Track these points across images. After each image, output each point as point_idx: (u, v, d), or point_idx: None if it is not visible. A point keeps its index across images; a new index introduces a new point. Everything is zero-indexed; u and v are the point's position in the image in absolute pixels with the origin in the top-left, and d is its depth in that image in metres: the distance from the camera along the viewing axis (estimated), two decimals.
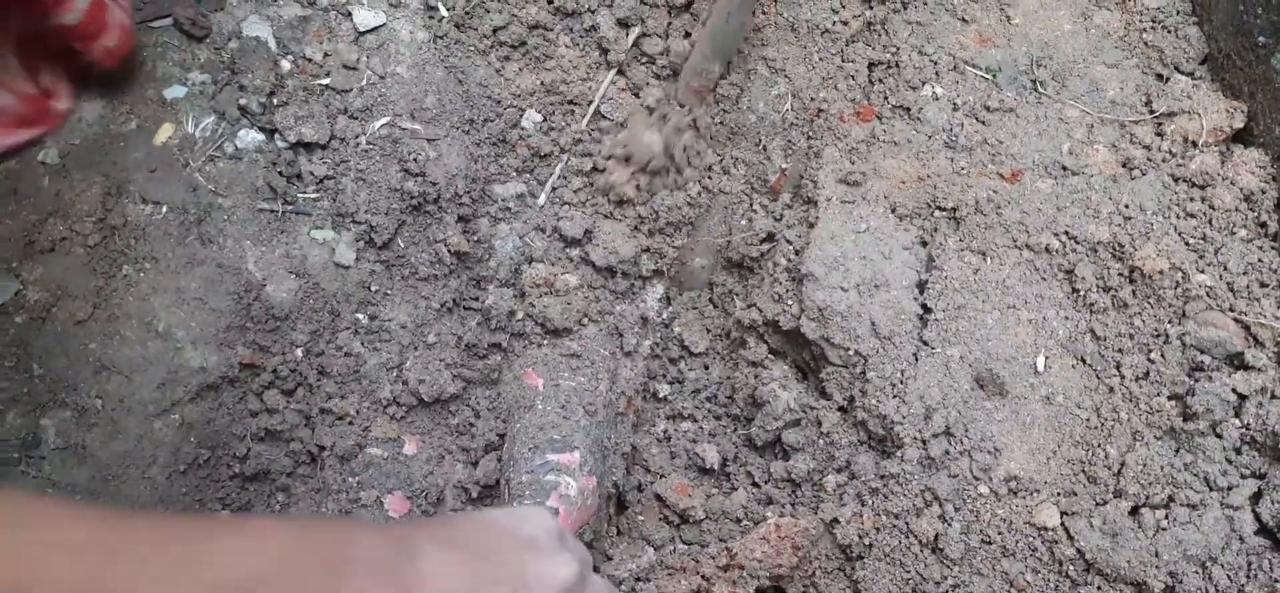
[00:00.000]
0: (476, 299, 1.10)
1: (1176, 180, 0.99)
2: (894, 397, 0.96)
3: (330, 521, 0.76)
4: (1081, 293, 0.96)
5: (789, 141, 1.11)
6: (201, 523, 0.67)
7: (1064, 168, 1.02)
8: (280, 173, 1.04)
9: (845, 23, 1.12)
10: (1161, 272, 0.93)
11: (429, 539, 0.67)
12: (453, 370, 1.05)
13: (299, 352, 1.03)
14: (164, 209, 1.01)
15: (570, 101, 1.14)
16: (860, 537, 0.94)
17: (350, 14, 1.11)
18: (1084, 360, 0.95)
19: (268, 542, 0.61)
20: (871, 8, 1.12)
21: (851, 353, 0.98)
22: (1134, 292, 0.95)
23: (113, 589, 0.54)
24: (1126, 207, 0.98)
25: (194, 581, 0.57)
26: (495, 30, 1.15)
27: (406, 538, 0.67)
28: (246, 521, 0.76)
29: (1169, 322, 0.93)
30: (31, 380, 0.94)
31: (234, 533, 0.62)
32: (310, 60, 1.08)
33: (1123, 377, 0.93)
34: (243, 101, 1.05)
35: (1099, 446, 0.92)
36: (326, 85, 1.07)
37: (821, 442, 1.00)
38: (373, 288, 1.06)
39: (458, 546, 0.69)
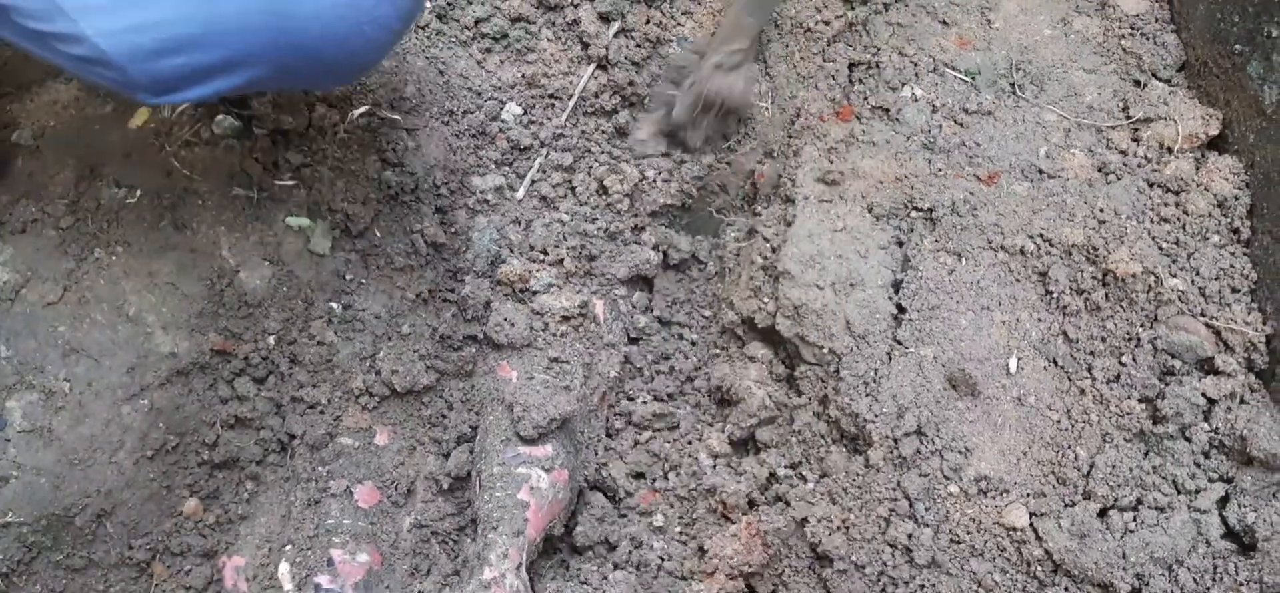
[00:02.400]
0: (452, 291, 1.09)
1: (1151, 185, 0.99)
2: (867, 395, 0.95)
3: None
4: (1055, 295, 0.97)
5: (768, 139, 1.12)
6: None
7: (1041, 171, 1.03)
8: (257, 159, 1.03)
9: (827, 22, 1.12)
10: (1134, 275, 0.94)
11: None
12: (427, 362, 1.05)
13: (271, 339, 1.02)
14: (138, 193, 1.00)
15: (551, 95, 1.14)
16: (830, 535, 0.94)
17: None
18: (1056, 362, 0.95)
19: None
20: (853, 8, 1.13)
21: (826, 351, 0.98)
22: (1107, 295, 0.95)
23: None
24: (1101, 210, 0.98)
25: None
26: (477, 22, 1.15)
27: None
28: None
29: (1141, 325, 0.94)
30: None
31: None
32: None
33: (1094, 379, 0.93)
34: None
35: (1069, 447, 0.92)
36: None
37: (794, 439, 1.00)
38: (347, 277, 1.06)
39: None
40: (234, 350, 1.00)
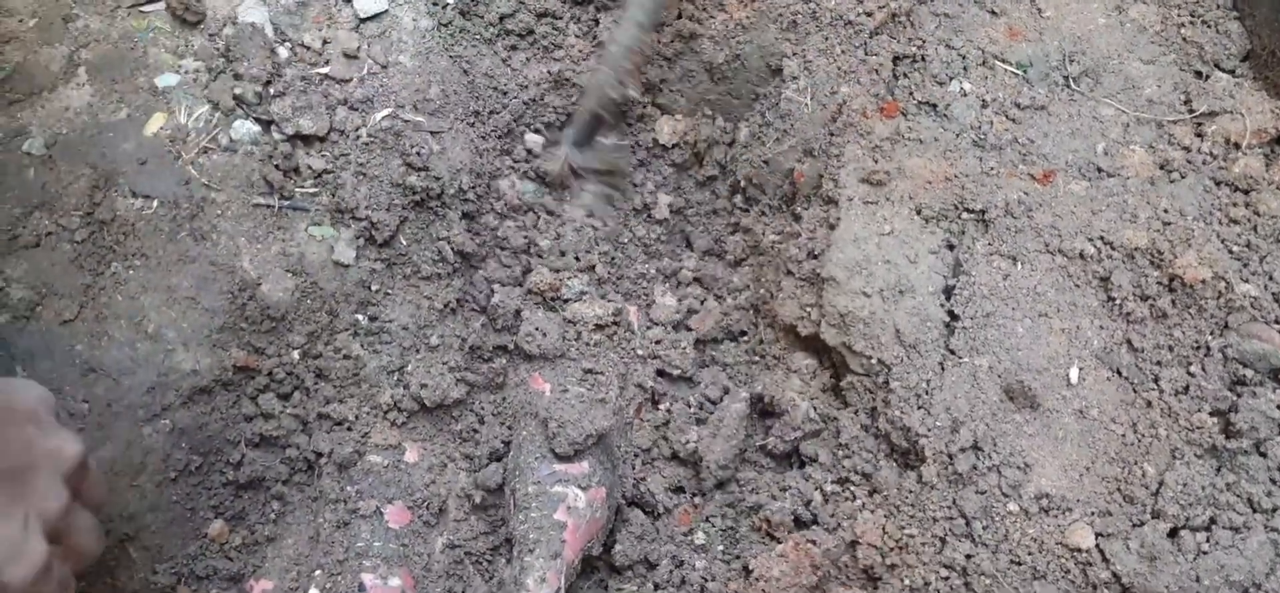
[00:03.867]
0: (481, 299, 1.05)
1: (1218, 184, 0.94)
2: (919, 408, 0.91)
3: None
4: (1117, 302, 0.92)
5: (808, 137, 1.07)
6: None
7: (1099, 169, 0.98)
8: (277, 166, 0.99)
9: (869, 14, 1.07)
10: (1203, 281, 0.89)
11: None
12: (456, 374, 1.01)
13: (295, 354, 0.98)
14: (155, 203, 0.96)
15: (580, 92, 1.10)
16: (882, 557, 0.90)
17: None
18: (1120, 373, 0.90)
19: None
20: None
21: (874, 361, 0.94)
22: (1173, 301, 0.90)
23: None
24: (1165, 211, 0.94)
25: None
26: (502, 18, 1.10)
27: None
28: None
29: (1210, 333, 0.89)
30: None
31: None
32: (309, 48, 1.03)
33: (1161, 391, 0.88)
34: (238, 91, 1.00)
35: (1136, 463, 0.87)
36: (325, 74, 1.03)
37: (841, 453, 0.96)
38: (373, 287, 1.01)
39: None
40: (257, 366, 0.96)
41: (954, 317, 0.94)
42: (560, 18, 1.12)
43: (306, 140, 1.01)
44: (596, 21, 1.14)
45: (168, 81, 1.00)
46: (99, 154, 0.97)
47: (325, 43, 1.04)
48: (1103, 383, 0.90)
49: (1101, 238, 0.94)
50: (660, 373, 1.05)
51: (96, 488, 0.73)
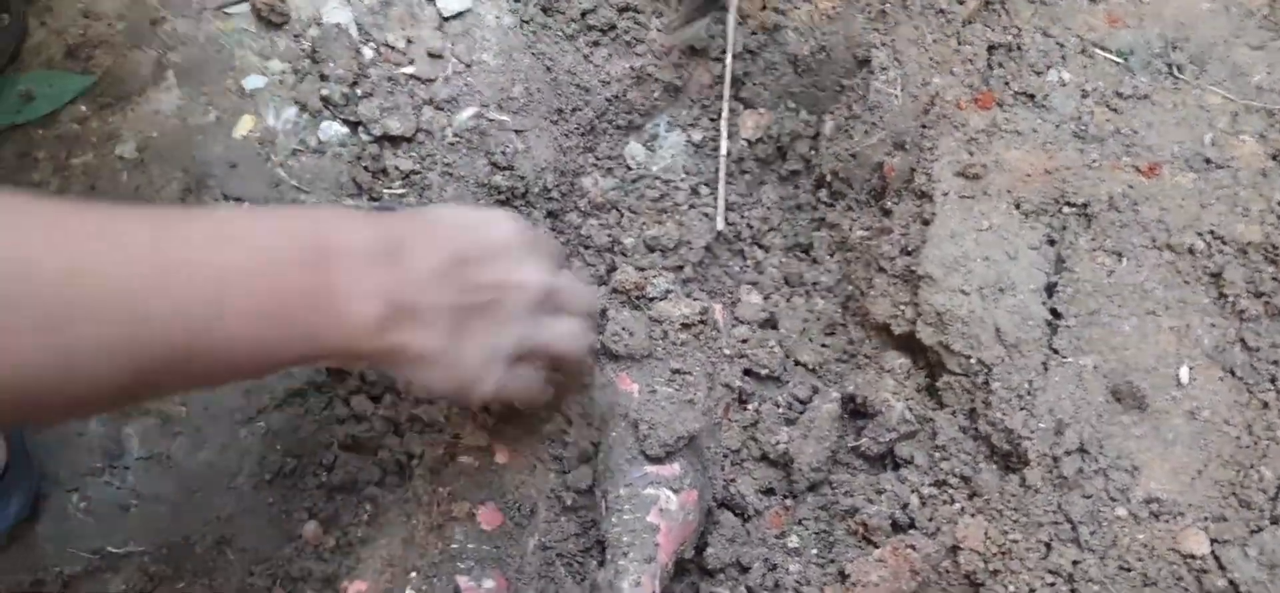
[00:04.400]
0: None
1: None
2: (1021, 409, 0.89)
3: (308, 212, 0.79)
4: (1230, 298, 0.89)
5: (898, 130, 1.04)
6: (182, 215, 0.69)
7: (1207, 160, 0.94)
8: (365, 167, 0.99)
9: (961, 2, 1.04)
10: None
11: (414, 235, 0.70)
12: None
13: None
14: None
15: (669, 88, 1.08)
16: (985, 563, 0.88)
17: None
18: (1233, 372, 0.87)
19: (245, 233, 0.61)
20: None
21: (973, 361, 0.91)
22: None
23: (80, 268, 0.52)
24: (1279, 204, 0.90)
25: (163, 263, 0.56)
26: (583, 14, 1.09)
27: (390, 233, 0.68)
28: (226, 214, 0.78)
29: None
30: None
31: (211, 222, 0.62)
32: (393, 48, 1.03)
33: (1278, 391, 0.85)
34: (325, 92, 1.00)
35: (1252, 467, 0.84)
36: (411, 74, 1.02)
37: (938, 456, 0.94)
38: None
39: (442, 245, 0.70)
40: (349, 368, 0.96)
41: (1057, 315, 0.91)
42: (641, 12, 1.11)
43: (393, 141, 1.00)
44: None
45: (255, 84, 1.00)
46: (190, 157, 0.97)
47: (409, 42, 1.03)
48: (1215, 383, 0.87)
49: (1212, 232, 0.91)
50: (747, 372, 1.04)
51: (574, 298, 0.85)
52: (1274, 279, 0.87)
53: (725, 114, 1.09)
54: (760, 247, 1.10)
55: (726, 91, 1.09)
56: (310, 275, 0.61)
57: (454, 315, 0.70)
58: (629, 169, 1.09)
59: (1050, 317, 0.92)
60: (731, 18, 1.09)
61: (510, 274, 0.75)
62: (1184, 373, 0.88)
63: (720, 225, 1.07)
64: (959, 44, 1.04)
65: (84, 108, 0.98)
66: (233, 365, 0.62)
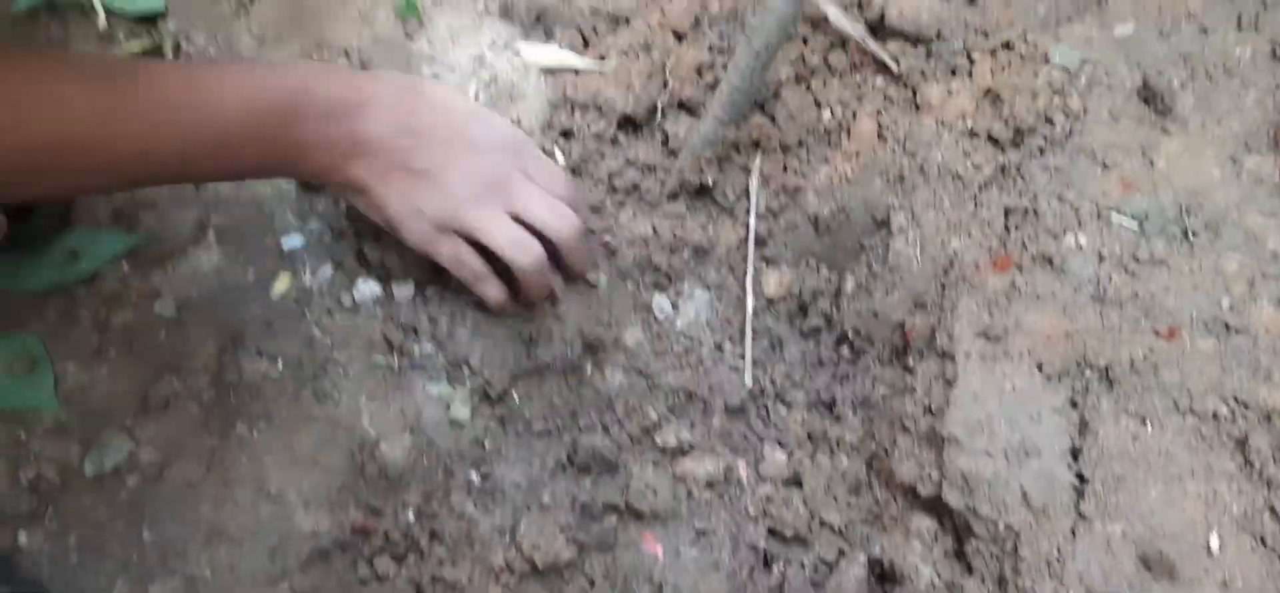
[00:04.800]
0: (592, 454, 1.05)
1: None
2: (1051, 577, 0.88)
3: (290, 71, 0.88)
4: (1256, 466, 0.89)
5: (918, 290, 1.06)
6: (161, 68, 0.86)
7: (1226, 325, 0.95)
8: (397, 325, 1.01)
9: (977, 167, 1.07)
10: None
11: (378, 97, 0.89)
12: (568, 534, 1.00)
13: (410, 513, 0.98)
14: (279, 364, 0.99)
15: (696, 249, 1.11)
16: None
17: None
18: (1264, 541, 0.87)
19: (227, 91, 0.80)
20: (1005, 152, 1.08)
21: (1001, 526, 0.91)
22: None
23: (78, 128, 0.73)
24: None
25: (142, 111, 0.76)
26: (610, 176, 1.12)
27: (359, 92, 0.88)
28: (208, 69, 0.90)
29: None
30: (142, 547, 0.91)
31: (190, 77, 0.81)
32: None
33: None
34: (360, 250, 1.03)
35: None
36: None
37: None
38: (486, 445, 1.02)
39: (398, 112, 0.90)
40: (374, 527, 0.96)
41: (1083, 479, 0.91)
42: (665, 172, 1.14)
43: (425, 298, 1.03)
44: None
45: (293, 243, 1.03)
46: (227, 316, 1.00)
47: None
48: (1246, 552, 0.87)
49: (1235, 397, 0.91)
50: (772, 532, 1.03)
51: (533, 211, 0.98)
52: None
53: (750, 273, 1.12)
54: (783, 403, 1.11)
55: (751, 251, 1.12)
56: (280, 131, 0.83)
57: (389, 168, 0.89)
58: (658, 322, 1.11)
59: (1076, 481, 0.92)
60: (754, 181, 1.12)
61: (453, 157, 0.91)
62: (1213, 541, 0.87)
63: (748, 382, 1.08)
64: (976, 207, 1.07)
65: (126, 266, 1.01)
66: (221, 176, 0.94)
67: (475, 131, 0.94)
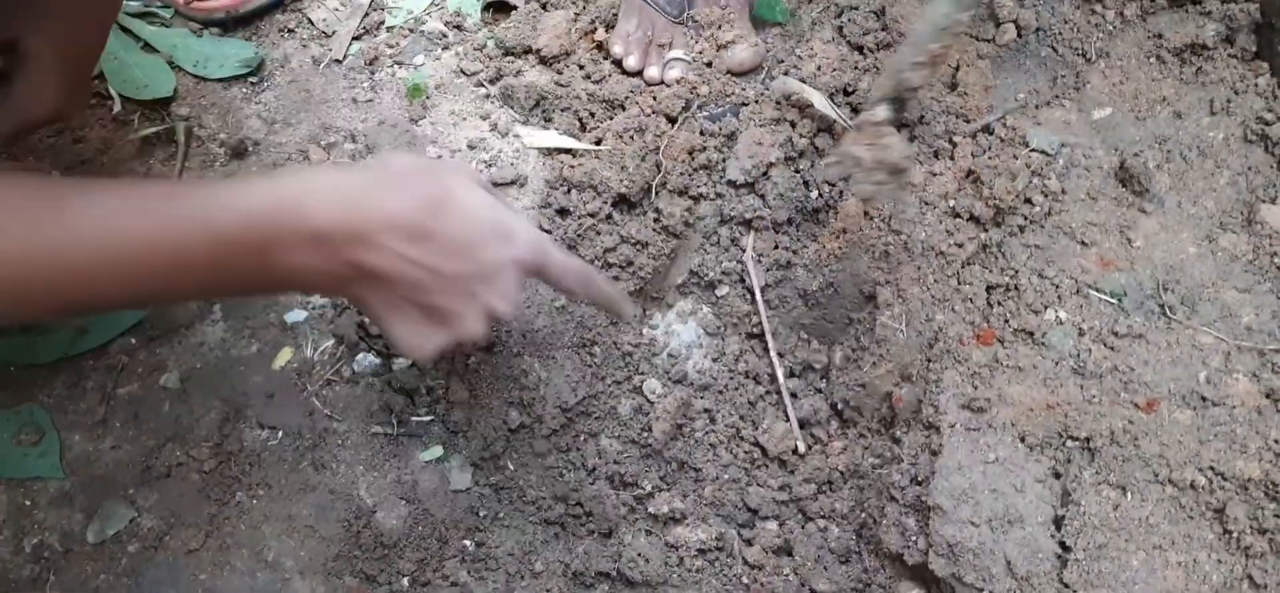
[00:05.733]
0: (584, 523, 1.07)
1: None
2: None
3: (278, 189, 0.74)
4: (1234, 535, 0.90)
5: (904, 363, 1.09)
6: (109, 190, 0.72)
7: (1203, 398, 0.98)
8: (396, 391, 1.04)
9: (960, 245, 1.11)
10: None
11: (389, 224, 0.73)
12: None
13: (405, 581, 1.00)
14: (279, 434, 1.01)
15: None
16: None
17: None
18: None
19: (182, 214, 0.69)
20: (986, 230, 1.11)
21: None
22: None
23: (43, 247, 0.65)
24: (1277, 442, 0.93)
25: (81, 238, 0.67)
26: (605, 252, 1.16)
27: (362, 221, 0.73)
28: (165, 192, 0.75)
29: None
30: None
31: (139, 201, 0.71)
32: None
33: None
34: (361, 322, 1.06)
35: None
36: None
37: None
38: (481, 513, 1.04)
39: (391, 249, 0.74)
40: None
41: (1065, 548, 0.93)
42: (652, 248, 1.18)
43: (421, 369, 1.05)
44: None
45: (296, 317, 1.07)
46: (230, 387, 1.03)
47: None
48: None
49: (1212, 468, 0.93)
50: None
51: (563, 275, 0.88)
52: (1276, 516, 0.89)
53: (771, 341, 1.14)
54: (774, 470, 1.12)
55: (765, 325, 1.15)
56: (256, 257, 0.71)
57: (397, 300, 0.77)
58: (650, 401, 1.14)
59: (1059, 550, 0.93)
60: (749, 255, 1.16)
61: (470, 296, 0.79)
62: None
63: (800, 446, 1.11)
64: (959, 284, 1.10)
65: (133, 340, 1.04)
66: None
67: (493, 256, 0.79)
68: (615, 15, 1.30)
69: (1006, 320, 1.07)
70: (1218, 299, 1.04)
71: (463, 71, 1.27)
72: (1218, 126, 1.17)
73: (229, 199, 0.70)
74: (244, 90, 1.23)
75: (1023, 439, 0.99)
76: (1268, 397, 0.97)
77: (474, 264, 0.77)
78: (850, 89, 1.20)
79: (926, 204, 1.15)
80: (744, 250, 1.17)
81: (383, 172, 0.77)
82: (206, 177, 1.14)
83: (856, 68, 1.22)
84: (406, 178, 0.76)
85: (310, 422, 1.02)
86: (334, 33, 1.29)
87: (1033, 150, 1.16)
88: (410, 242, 0.73)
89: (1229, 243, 1.08)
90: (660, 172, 1.18)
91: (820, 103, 1.17)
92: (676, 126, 1.21)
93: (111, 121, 1.19)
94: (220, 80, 1.23)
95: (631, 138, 1.20)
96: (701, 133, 1.21)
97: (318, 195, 0.72)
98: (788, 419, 1.12)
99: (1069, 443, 0.98)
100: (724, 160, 1.17)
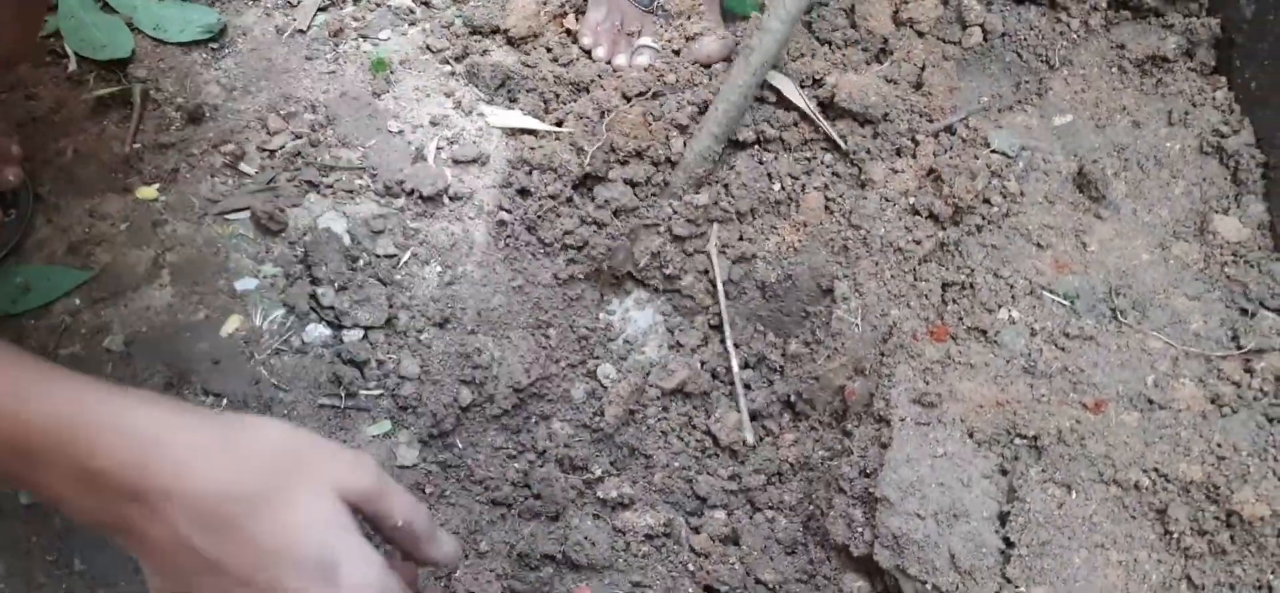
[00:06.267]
0: (531, 503, 1.06)
1: (1271, 421, 0.95)
2: None
3: (75, 399, 0.58)
4: (1175, 535, 0.91)
5: (858, 356, 1.09)
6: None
7: (1150, 401, 0.99)
8: (346, 362, 1.02)
9: (918, 242, 1.11)
10: (1262, 518, 0.88)
11: (180, 497, 0.57)
12: (504, 582, 1.00)
13: None
14: (224, 402, 1.00)
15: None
16: None
17: (425, 214, 1.12)
18: None
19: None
20: (944, 228, 1.12)
21: (929, 587, 0.93)
22: (1232, 537, 0.90)
23: None
24: (1219, 446, 0.94)
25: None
26: (564, 234, 1.15)
27: (154, 478, 0.57)
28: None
29: (1272, 572, 0.88)
30: (71, 576, 0.91)
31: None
32: (381, 257, 1.09)
33: None
34: (314, 293, 1.04)
35: None
36: (396, 281, 1.07)
37: None
38: (428, 490, 1.03)
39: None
40: None
41: (1009, 543, 0.93)
42: (612, 230, 1.17)
43: (372, 343, 1.04)
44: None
45: (247, 285, 1.05)
46: (175, 353, 1.01)
47: (398, 252, 1.09)
48: None
49: (1156, 470, 0.94)
50: (708, 588, 1.04)
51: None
52: (1216, 518, 0.90)
53: (730, 341, 1.14)
54: (724, 460, 1.12)
55: (724, 316, 1.15)
56: (25, 471, 0.58)
57: (168, 578, 0.61)
58: (603, 386, 1.13)
59: (1003, 545, 0.94)
60: (713, 246, 1.15)
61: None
62: None
63: (749, 438, 1.10)
64: (915, 280, 1.10)
65: (77, 301, 1.02)
66: None
67: (296, 590, 0.60)
68: (586, 1, 1.30)
69: (960, 318, 1.07)
70: (1168, 305, 1.05)
71: (429, 48, 1.26)
72: (1175, 137, 1.19)
73: (32, 390, 0.58)
74: (204, 55, 1.22)
75: (971, 435, 0.99)
76: (1212, 402, 0.98)
77: (270, 573, 0.59)
78: (819, 79, 1.20)
79: (887, 200, 1.15)
80: (707, 240, 1.17)
81: (231, 434, 0.61)
82: (161, 140, 1.12)
83: (826, 61, 1.23)
84: (252, 456, 0.60)
85: (256, 391, 1.00)
86: (299, 2, 1.28)
87: (994, 152, 1.17)
88: (199, 526, 0.57)
89: (1181, 251, 1.09)
90: (614, 152, 1.17)
91: (789, 90, 1.18)
92: (630, 105, 1.20)
93: (66, 80, 1.17)
94: (180, 44, 1.21)
95: (593, 120, 1.19)
96: (664, 119, 1.20)
97: (114, 433, 0.57)
98: (739, 410, 1.11)
99: (1017, 441, 0.98)
100: (686, 146, 1.17)
